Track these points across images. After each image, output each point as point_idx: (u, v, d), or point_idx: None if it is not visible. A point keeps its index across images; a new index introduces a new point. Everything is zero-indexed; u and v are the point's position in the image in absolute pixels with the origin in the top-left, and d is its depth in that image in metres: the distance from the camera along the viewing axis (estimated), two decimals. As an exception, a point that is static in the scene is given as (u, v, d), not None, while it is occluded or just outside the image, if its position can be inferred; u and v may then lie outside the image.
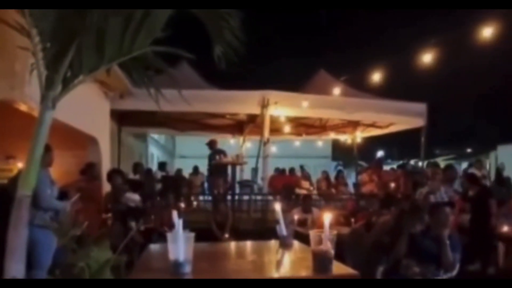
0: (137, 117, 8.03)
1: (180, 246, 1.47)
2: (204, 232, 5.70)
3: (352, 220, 6.00)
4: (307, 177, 12.39)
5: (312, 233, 1.52)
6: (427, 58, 4.71)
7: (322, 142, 14.94)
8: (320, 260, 1.48)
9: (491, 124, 23.04)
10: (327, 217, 1.48)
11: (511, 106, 22.54)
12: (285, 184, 11.12)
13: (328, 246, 1.46)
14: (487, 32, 4.18)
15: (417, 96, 7.74)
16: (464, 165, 22.96)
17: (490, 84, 22.65)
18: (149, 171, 10.84)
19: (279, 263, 1.82)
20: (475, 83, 22.16)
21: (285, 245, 2.03)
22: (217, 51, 2.42)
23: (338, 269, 1.52)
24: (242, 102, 6.56)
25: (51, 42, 2.13)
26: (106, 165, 5.47)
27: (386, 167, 13.81)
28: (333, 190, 11.58)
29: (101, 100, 5.29)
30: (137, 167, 8.24)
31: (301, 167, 13.06)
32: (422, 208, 3.88)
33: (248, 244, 2.36)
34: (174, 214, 1.66)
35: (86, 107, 4.62)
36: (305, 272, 1.55)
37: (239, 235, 5.64)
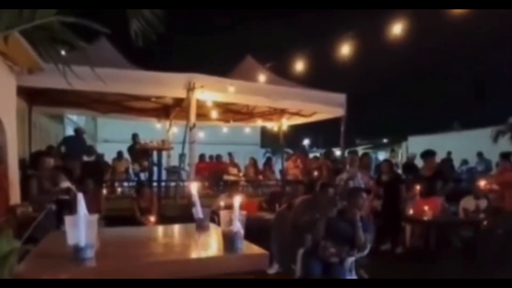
0: (51, 95, 7.35)
1: (81, 230, 1.38)
2: (128, 220, 5.50)
3: (277, 205, 6.16)
4: (235, 163, 12.53)
5: (223, 214, 1.52)
6: (345, 49, 4.92)
7: (251, 129, 15.15)
8: (230, 240, 1.49)
9: (404, 116, 25.17)
10: (237, 198, 1.48)
11: (420, 101, 24.82)
12: (212, 170, 11.15)
13: (238, 226, 1.47)
14: (398, 28, 4.46)
15: (338, 87, 8.12)
16: (380, 153, 24.94)
17: (403, 79, 24.66)
18: (64, 154, 10.12)
19: (190, 245, 1.80)
20: (391, 77, 23.97)
21: (201, 227, 2.02)
22: (134, 26, 2.28)
23: (248, 249, 1.54)
24: (167, 85, 6.33)
25: None
26: (12, 148, 4.93)
27: (311, 155, 14.46)
28: (261, 177, 11.87)
29: (4, 74, 4.71)
30: (50, 151, 7.61)
31: (229, 154, 13.15)
32: (342, 192, 4.10)
33: (165, 228, 2.30)
34: (79, 196, 1.54)
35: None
36: (215, 252, 1.55)
37: (165, 221, 5.51)
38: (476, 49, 22.73)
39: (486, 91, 22.32)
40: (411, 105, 25.46)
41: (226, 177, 10.74)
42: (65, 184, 5.01)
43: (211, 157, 12.65)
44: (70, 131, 15.79)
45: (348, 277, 3.82)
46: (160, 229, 2.34)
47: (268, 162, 13.06)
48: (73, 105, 8.90)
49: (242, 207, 5.06)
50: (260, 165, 13.08)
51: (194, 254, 1.61)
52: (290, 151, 14.53)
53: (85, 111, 9.75)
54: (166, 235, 2.10)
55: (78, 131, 8.71)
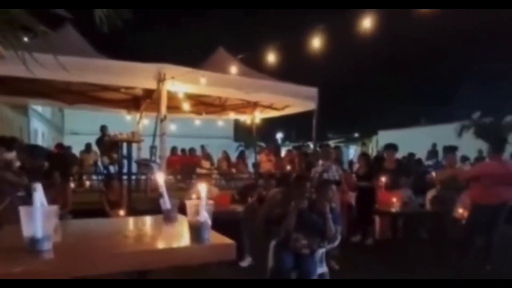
0: (13, 84, 6.99)
1: (37, 221, 1.31)
2: (97, 213, 5.36)
3: (249, 198, 6.15)
4: (207, 156, 12.45)
5: (189, 204, 1.49)
6: (316, 42, 4.91)
7: (224, 122, 15.03)
8: (197, 230, 1.46)
9: (374, 111, 25.78)
10: (203, 188, 1.45)
11: (390, 97, 25.45)
12: (184, 164, 11.03)
13: (205, 216, 1.44)
14: (369, 22, 4.47)
15: (310, 81, 8.15)
16: (352, 147, 25.48)
17: (374, 74, 25.20)
18: (32, 148, 9.75)
19: (157, 236, 1.76)
20: (362, 73, 24.44)
21: (169, 218, 1.97)
22: (98, 11, 2.18)
23: (216, 239, 1.52)
24: (137, 75, 6.13)
25: None
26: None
27: (284, 149, 14.58)
28: (234, 170, 11.86)
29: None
30: (11, 143, 7.25)
31: (202, 147, 13.05)
32: (306, 183, 4.12)
33: (131, 220, 2.23)
34: (38, 187, 1.46)
35: None
36: (181, 243, 1.52)
37: (136, 215, 5.38)
38: (445, 47, 23.48)
39: (453, 88, 23.14)
40: (382, 100, 26.09)
41: (198, 170, 10.66)
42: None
43: (183, 150, 12.52)
44: (35, 123, 15.21)
45: (319, 268, 3.87)
46: (126, 220, 2.28)
47: (241, 156, 13.06)
48: (38, 95, 8.52)
49: (215, 200, 5.02)
50: (234, 158, 13.09)
51: (159, 245, 1.57)
52: (263, 144, 14.59)
53: (51, 101, 9.35)
54: (131, 227, 2.04)
55: None
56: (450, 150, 6.61)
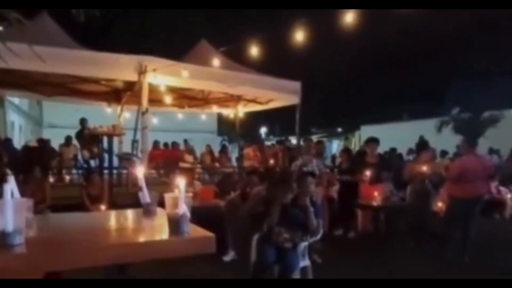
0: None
1: (8, 214, 1.25)
2: (77, 208, 5.25)
3: (232, 192, 6.13)
4: (190, 151, 12.36)
5: (167, 197, 1.45)
6: (299, 36, 4.89)
7: (207, 116, 14.95)
8: (175, 223, 1.43)
9: (357, 107, 26.03)
10: (182, 180, 1.42)
11: (373, 92, 25.73)
12: (167, 158, 10.92)
13: (184, 209, 1.41)
14: (351, 17, 4.47)
15: (293, 75, 8.13)
16: (335, 142, 25.71)
17: (357, 70, 25.39)
18: (7, 141, 9.51)
19: (135, 229, 1.72)
20: (345, 68, 24.58)
21: (148, 212, 1.94)
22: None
23: (195, 232, 1.49)
24: (117, 67, 5.99)
25: None
26: None
27: (268, 143, 14.58)
28: (217, 164, 11.81)
29: None
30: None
31: (185, 141, 12.94)
32: (292, 178, 4.12)
33: (110, 213, 2.19)
34: (10, 179, 1.40)
35: None
36: (160, 236, 1.49)
37: (117, 209, 5.31)
38: (428, 45, 23.84)
39: (434, 85, 23.56)
40: (365, 96, 26.35)
41: (181, 164, 10.57)
42: None
43: (166, 144, 12.39)
44: (12, 116, 14.77)
45: (302, 261, 3.88)
46: (105, 214, 2.23)
47: (223, 150, 13.00)
48: (14, 87, 8.25)
49: (198, 194, 4.98)
50: (217, 152, 13.02)
51: (137, 238, 1.54)
52: (246, 139, 14.55)
53: (28, 93, 9.09)
54: (110, 220, 2.00)
55: None
56: (423, 146, 6.72)
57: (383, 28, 18.03)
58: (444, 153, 11.40)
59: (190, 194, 1.46)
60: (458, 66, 21.96)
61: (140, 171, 1.94)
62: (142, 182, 1.94)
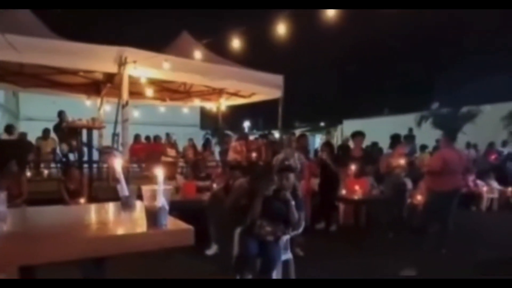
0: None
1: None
2: (56, 203, 5.13)
3: (214, 185, 6.11)
4: (172, 144, 12.23)
5: (145, 189, 1.42)
6: (281, 30, 4.85)
7: (190, 110, 14.79)
8: (153, 216, 1.40)
9: (340, 101, 26.27)
10: (160, 171, 1.39)
11: (354, 86, 26.01)
12: (149, 152, 10.77)
13: (162, 202, 1.38)
14: (333, 12, 4.45)
15: (276, 68, 8.12)
16: (318, 136, 25.88)
17: (339, 63, 25.61)
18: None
19: (112, 222, 1.69)
20: (328, 61, 24.76)
21: (127, 205, 1.90)
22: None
23: (173, 224, 1.47)
24: (96, 58, 5.84)
25: None
26: None
27: (251, 137, 14.54)
28: (199, 159, 11.70)
29: None
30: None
31: (167, 135, 12.79)
32: (273, 171, 4.11)
33: (88, 207, 2.14)
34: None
35: None
36: (138, 229, 1.45)
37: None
38: (408, 40, 24.18)
39: (414, 80, 23.98)
40: (347, 90, 26.61)
41: (163, 158, 10.44)
42: None
43: (148, 138, 12.22)
44: (-14, 108, 14.29)
45: (284, 254, 3.90)
46: (82, 208, 2.17)
47: (206, 144, 12.91)
48: (-14, 78, 7.98)
49: (181, 188, 4.93)
50: (199, 146, 12.91)
51: (114, 231, 1.50)
52: (230, 133, 14.48)
53: (2, 84, 8.80)
54: (87, 214, 1.95)
55: None
56: (398, 139, 6.79)
57: (366, 24, 18.18)
58: (423, 147, 11.63)
59: (169, 187, 1.43)
60: (438, 62, 22.38)
61: (118, 164, 1.89)
62: (120, 175, 1.89)
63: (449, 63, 20.66)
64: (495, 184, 9.79)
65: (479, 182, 9.75)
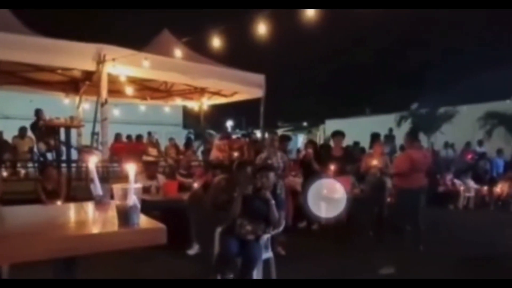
0: None
1: None
2: (32, 203, 4.99)
3: (195, 185, 6.05)
4: (154, 144, 12.08)
5: (115, 188, 1.39)
6: (265, 29, 4.83)
7: (172, 109, 14.68)
8: (125, 214, 1.37)
9: (322, 101, 26.52)
10: (132, 169, 1.36)
11: (336, 87, 26.27)
12: (131, 151, 10.60)
13: (133, 200, 1.36)
14: (315, 12, 4.46)
15: (259, 69, 8.11)
16: (301, 136, 26.04)
17: (321, 63, 25.85)
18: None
19: (84, 222, 1.65)
20: (310, 61, 24.96)
21: (100, 204, 1.86)
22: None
23: (145, 223, 1.44)
24: (74, 55, 5.71)
25: None
26: None
27: (234, 137, 14.51)
28: (182, 158, 11.60)
29: None
30: None
31: (149, 134, 12.63)
32: (254, 171, 4.11)
33: (60, 206, 2.09)
34: None
35: None
36: (109, 228, 1.42)
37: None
38: (387, 40, 24.56)
39: (394, 80, 24.41)
40: (329, 90, 26.87)
41: (145, 158, 10.30)
42: None
43: (129, 137, 12.04)
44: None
45: (264, 253, 3.90)
46: (56, 207, 2.12)
47: (188, 143, 12.80)
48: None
49: (162, 188, 4.87)
50: (180, 145, 12.78)
51: (85, 230, 1.47)
52: (213, 132, 14.41)
53: (-25, 81, 8.52)
54: (60, 213, 1.90)
55: None
56: (376, 138, 6.88)
57: (348, 25, 18.38)
58: (403, 147, 11.79)
59: (139, 185, 1.40)
60: (417, 63, 22.78)
61: (91, 162, 1.85)
62: (93, 174, 1.85)
63: (427, 65, 21.08)
64: (471, 183, 10.03)
65: (456, 181, 9.97)
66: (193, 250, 5.09)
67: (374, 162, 6.13)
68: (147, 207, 1.84)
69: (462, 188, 9.81)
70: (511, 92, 16.69)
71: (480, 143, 13.34)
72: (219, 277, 3.63)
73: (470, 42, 21.18)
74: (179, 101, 10.60)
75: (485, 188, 10.10)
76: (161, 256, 4.46)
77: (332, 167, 6.36)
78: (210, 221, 4.21)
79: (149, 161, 9.85)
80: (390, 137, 13.91)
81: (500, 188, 9.87)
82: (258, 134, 10.67)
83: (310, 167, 6.81)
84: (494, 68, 16.43)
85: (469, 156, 11.93)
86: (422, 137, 14.30)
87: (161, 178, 6.47)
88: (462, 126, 14.38)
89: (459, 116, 15.05)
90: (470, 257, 5.23)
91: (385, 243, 5.51)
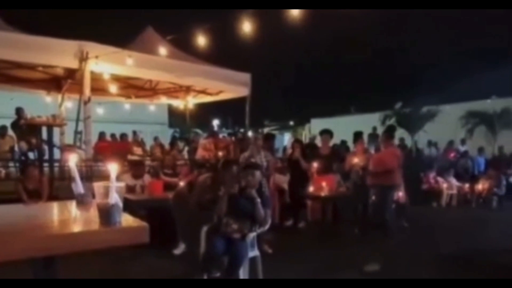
0: None
1: None
2: (13, 204, 4.87)
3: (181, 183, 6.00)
4: (139, 143, 11.94)
5: (97, 186, 1.37)
6: (250, 28, 4.81)
7: (157, 107, 14.50)
8: (106, 213, 1.35)
9: (307, 100, 26.70)
10: (113, 168, 1.34)
11: (321, 85, 26.47)
12: (115, 150, 10.45)
13: (115, 199, 1.33)
14: (300, 12, 4.46)
15: (245, 67, 8.09)
16: (287, 134, 26.14)
17: (307, 63, 26.02)
18: None
19: (65, 221, 1.62)
20: (296, 60, 25.09)
21: (82, 203, 1.82)
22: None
23: (127, 222, 1.42)
24: (55, 53, 5.59)
25: None
26: None
27: (220, 135, 14.46)
28: (167, 157, 11.48)
29: None
30: None
31: (134, 133, 12.48)
32: (238, 169, 4.09)
33: (41, 206, 2.04)
34: None
35: None
36: (90, 226, 1.40)
37: (56, 203, 5.02)
38: (373, 41, 24.86)
39: (379, 79, 24.75)
40: (315, 89, 27.07)
41: (130, 157, 10.18)
42: None
43: (113, 136, 11.87)
44: None
45: (251, 252, 3.89)
46: (37, 207, 2.07)
47: (173, 142, 12.70)
48: None
49: (147, 187, 4.80)
50: (166, 144, 12.66)
51: (66, 229, 1.43)
52: (199, 131, 14.33)
53: (-47, 79, 8.28)
54: (41, 212, 1.86)
55: None
56: (358, 137, 6.94)
57: (333, 25, 18.50)
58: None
59: (122, 184, 1.38)
60: (401, 63, 23.09)
61: (72, 160, 1.81)
62: (74, 172, 1.81)
63: (411, 65, 21.38)
64: (454, 181, 10.21)
65: (439, 179, 10.13)
66: (179, 249, 5.05)
67: (355, 160, 6.18)
68: (132, 207, 1.81)
69: (445, 186, 9.97)
70: (491, 92, 17.11)
71: (463, 141, 13.60)
72: (205, 276, 3.60)
73: (452, 44, 21.59)
74: (164, 100, 10.50)
75: (467, 185, 10.30)
76: (147, 256, 4.42)
77: (315, 165, 6.40)
78: (196, 220, 4.17)
79: (135, 160, 9.77)
80: (374, 136, 14.07)
81: (481, 185, 10.07)
82: (250, 133, 10.65)
83: (297, 166, 6.83)
84: (476, 68, 16.80)
85: (452, 155, 12.13)
86: (406, 135, 14.55)
87: (146, 178, 6.41)
88: (444, 125, 14.63)
89: (442, 115, 15.32)
90: (453, 253, 5.32)
91: (370, 240, 5.56)
